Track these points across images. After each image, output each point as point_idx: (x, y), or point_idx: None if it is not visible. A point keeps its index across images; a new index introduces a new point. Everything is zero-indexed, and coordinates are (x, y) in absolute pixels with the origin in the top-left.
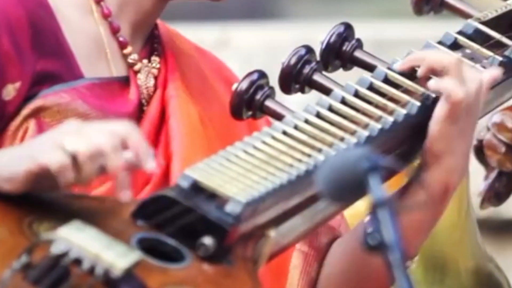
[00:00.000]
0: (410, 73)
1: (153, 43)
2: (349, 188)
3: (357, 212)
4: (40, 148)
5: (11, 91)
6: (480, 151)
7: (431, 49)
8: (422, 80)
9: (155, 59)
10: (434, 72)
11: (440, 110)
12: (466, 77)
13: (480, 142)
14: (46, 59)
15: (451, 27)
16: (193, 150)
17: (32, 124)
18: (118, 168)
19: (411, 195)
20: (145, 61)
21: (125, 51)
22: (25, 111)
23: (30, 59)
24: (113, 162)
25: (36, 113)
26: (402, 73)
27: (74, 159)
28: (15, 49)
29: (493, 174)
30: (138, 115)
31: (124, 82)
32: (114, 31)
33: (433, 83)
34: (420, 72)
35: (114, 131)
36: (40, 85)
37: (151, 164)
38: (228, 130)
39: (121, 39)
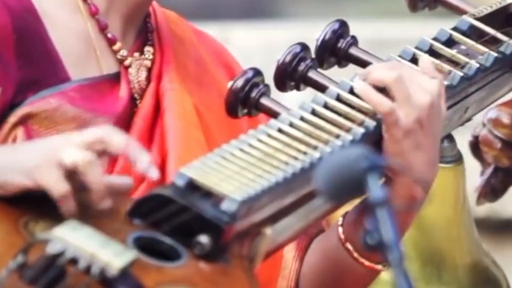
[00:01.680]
0: None
1: (146, 33)
2: (347, 187)
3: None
4: (36, 162)
5: None
6: (476, 147)
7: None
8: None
9: (148, 49)
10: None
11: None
12: (415, 91)
13: (476, 138)
14: (31, 65)
15: (449, 25)
16: (189, 146)
17: (20, 132)
18: (124, 147)
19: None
20: (136, 54)
21: (114, 47)
22: (13, 118)
23: (13, 66)
24: (116, 144)
25: (23, 121)
26: None
27: (73, 172)
28: None
29: (489, 170)
30: (130, 112)
31: (115, 79)
32: (102, 28)
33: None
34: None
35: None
36: (26, 92)
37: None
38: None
39: (109, 35)
